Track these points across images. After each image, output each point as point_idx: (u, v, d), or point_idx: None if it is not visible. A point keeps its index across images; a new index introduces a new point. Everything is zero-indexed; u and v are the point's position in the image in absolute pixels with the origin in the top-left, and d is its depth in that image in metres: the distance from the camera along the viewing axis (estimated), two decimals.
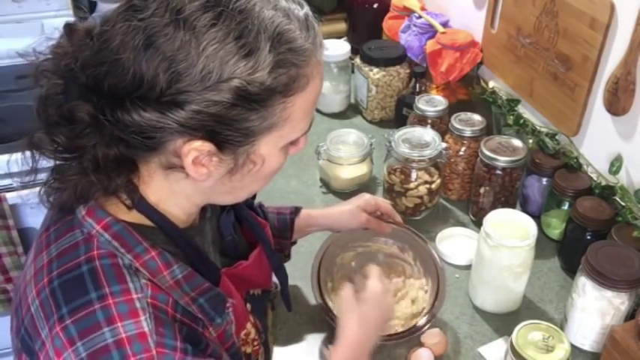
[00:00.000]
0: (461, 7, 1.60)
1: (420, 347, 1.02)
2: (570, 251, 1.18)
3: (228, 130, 0.61)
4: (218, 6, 0.59)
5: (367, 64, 1.62)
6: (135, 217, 0.68)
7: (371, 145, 1.42)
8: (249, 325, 0.82)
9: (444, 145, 1.29)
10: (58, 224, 0.69)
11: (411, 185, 1.30)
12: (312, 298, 1.12)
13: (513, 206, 1.30)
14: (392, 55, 1.61)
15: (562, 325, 1.07)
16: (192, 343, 0.64)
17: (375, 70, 1.61)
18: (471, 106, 1.53)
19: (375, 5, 1.87)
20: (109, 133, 0.61)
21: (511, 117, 1.37)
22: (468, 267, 1.18)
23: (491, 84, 1.51)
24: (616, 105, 1.09)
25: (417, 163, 1.28)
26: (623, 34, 1.05)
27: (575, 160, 1.23)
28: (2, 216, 1.50)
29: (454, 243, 1.28)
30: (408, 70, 1.63)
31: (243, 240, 0.89)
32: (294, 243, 1.13)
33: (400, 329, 1.05)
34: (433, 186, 1.31)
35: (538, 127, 1.32)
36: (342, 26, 2.05)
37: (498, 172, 1.24)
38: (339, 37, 1.78)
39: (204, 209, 0.79)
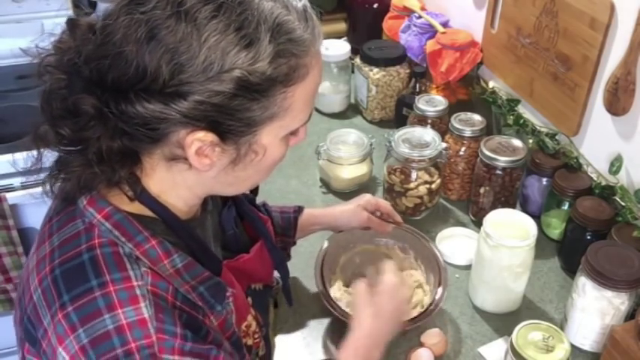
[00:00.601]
0: (461, 7, 1.61)
1: (420, 347, 1.02)
2: (570, 251, 1.18)
3: (231, 120, 0.62)
4: None
5: (367, 64, 1.62)
6: (136, 207, 0.69)
7: (371, 145, 1.42)
8: (249, 317, 0.83)
9: (444, 145, 1.29)
10: (60, 215, 0.70)
11: (411, 185, 1.30)
12: (312, 297, 1.12)
13: (513, 206, 1.30)
14: (392, 55, 1.61)
15: (562, 325, 1.07)
16: (192, 329, 0.65)
17: (375, 70, 1.61)
18: (471, 106, 1.53)
19: (375, 5, 1.87)
20: (113, 125, 0.62)
21: (511, 117, 1.37)
22: (468, 267, 1.18)
23: (491, 84, 1.51)
24: (616, 105, 1.09)
25: (417, 163, 1.28)
26: (623, 34, 1.05)
27: (575, 160, 1.23)
28: (2, 216, 1.50)
29: (454, 243, 1.28)
30: (408, 70, 1.63)
31: (244, 235, 0.90)
32: (294, 243, 1.13)
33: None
34: (433, 186, 1.31)
35: (538, 127, 1.32)
36: (342, 26, 2.05)
37: (498, 172, 1.24)
38: (339, 37, 1.78)
39: (205, 203, 0.80)
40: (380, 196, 1.39)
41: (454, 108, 1.44)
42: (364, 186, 1.44)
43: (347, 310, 1.03)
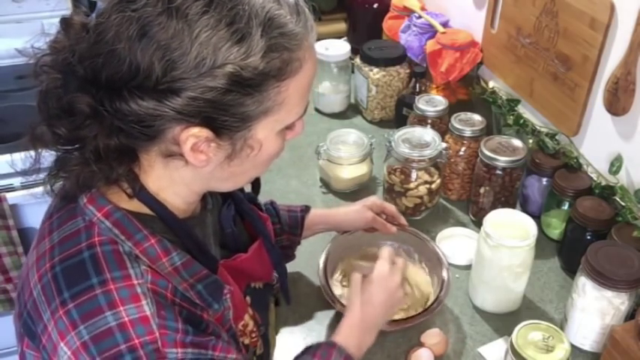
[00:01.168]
0: (461, 7, 1.61)
1: (420, 347, 1.02)
2: (570, 251, 1.18)
3: (225, 115, 0.62)
4: None
5: (367, 64, 1.62)
6: (135, 205, 0.69)
7: (371, 145, 1.42)
8: (247, 317, 0.83)
9: (444, 145, 1.29)
10: (60, 212, 0.70)
11: (411, 185, 1.30)
12: (312, 296, 1.12)
13: (513, 206, 1.30)
14: (392, 55, 1.61)
15: (562, 325, 1.07)
16: (192, 324, 0.66)
17: (375, 70, 1.61)
18: (471, 106, 1.53)
19: (375, 5, 1.87)
20: (108, 123, 0.62)
21: (511, 117, 1.37)
22: (468, 267, 1.18)
23: (491, 84, 1.51)
24: (616, 105, 1.09)
25: (417, 163, 1.28)
26: (623, 34, 1.05)
27: (575, 160, 1.23)
28: (2, 216, 1.50)
29: (454, 243, 1.28)
30: (408, 70, 1.63)
31: (244, 233, 0.90)
32: (299, 243, 1.13)
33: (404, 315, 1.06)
34: (433, 186, 1.31)
35: (538, 127, 1.32)
36: (342, 26, 2.05)
37: (498, 172, 1.24)
38: (339, 37, 1.78)
39: (205, 201, 0.80)
40: (380, 196, 1.39)
41: (454, 108, 1.44)
42: (364, 186, 1.44)
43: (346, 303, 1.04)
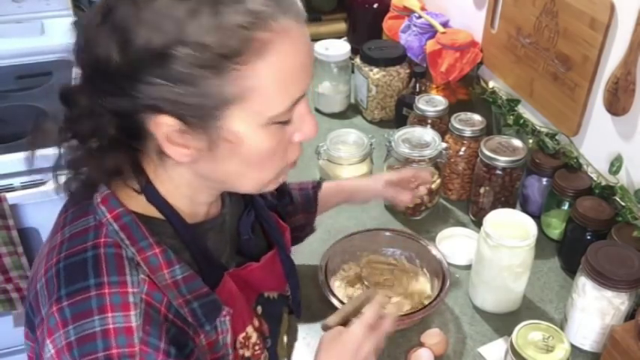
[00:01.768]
0: (461, 7, 1.61)
1: (420, 347, 1.02)
2: (570, 251, 1.18)
3: (184, 102, 0.59)
4: None
5: (367, 64, 1.62)
6: (148, 209, 0.69)
7: (371, 145, 1.41)
8: (250, 329, 0.81)
9: (444, 145, 1.29)
10: (75, 207, 0.70)
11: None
12: (312, 296, 1.12)
13: (513, 206, 1.30)
14: (392, 55, 1.61)
15: (562, 325, 1.07)
16: (178, 345, 0.64)
17: (375, 70, 1.61)
18: (471, 106, 1.53)
19: (375, 5, 1.87)
20: (105, 120, 0.62)
21: (511, 117, 1.37)
22: (468, 267, 1.18)
23: (491, 84, 1.51)
24: (616, 105, 1.09)
25: (417, 163, 1.28)
26: (623, 34, 1.05)
27: (575, 160, 1.23)
28: (2, 216, 1.49)
29: (454, 243, 1.28)
30: (408, 70, 1.63)
31: (262, 241, 0.87)
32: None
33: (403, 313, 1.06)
34: (433, 186, 1.31)
35: (538, 127, 1.32)
36: (342, 26, 2.05)
37: (498, 172, 1.24)
38: (339, 37, 1.78)
39: (223, 205, 0.79)
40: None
41: (454, 108, 1.44)
42: None
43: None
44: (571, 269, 1.17)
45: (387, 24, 1.81)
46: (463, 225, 1.34)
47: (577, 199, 1.15)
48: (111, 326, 0.60)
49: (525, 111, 1.39)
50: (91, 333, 0.60)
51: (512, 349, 0.92)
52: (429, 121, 1.42)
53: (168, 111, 0.60)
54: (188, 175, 0.69)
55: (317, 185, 1.11)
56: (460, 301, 1.15)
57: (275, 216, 0.90)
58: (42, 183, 1.39)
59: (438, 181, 1.32)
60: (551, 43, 1.23)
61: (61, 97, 0.64)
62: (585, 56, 1.14)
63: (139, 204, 0.69)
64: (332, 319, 0.97)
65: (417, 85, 1.56)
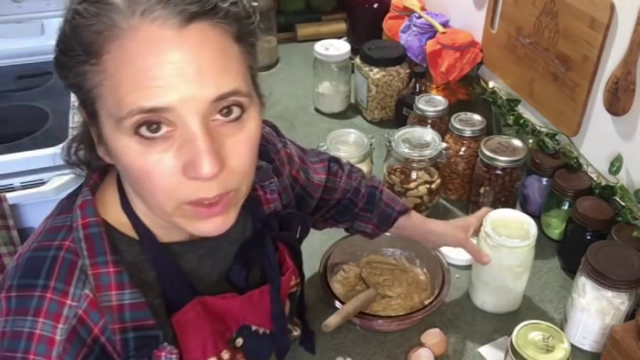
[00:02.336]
0: (461, 7, 1.61)
1: (420, 347, 1.02)
2: (570, 251, 1.18)
3: (72, 83, 0.59)
4: None
5: (367, 64, 1.62)
6: (123, 222, 0.67)
7: (371, 145, 1.41)
8: None
9: (444, 145, 1.29)
10: (70, 198, 0.69)
11: (411, 185, 1.30)
12: (311, 296, 1.12)
13: (513, 206, 1.30)
14: (392, 55, 1.61)
15: (562, 325, 1.07)
16: None
17: (375, 70, 1.61)
18: (471, 106, 1.53)
19: (375, 5, 1.87)
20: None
21: (511, 117, 1.37)
22: (468, 267, 1.18)
23: (491, 84, 1.51)
24: (616, 105, 1.09)
25: (417, 163, 1.28)
26: (623, 34, 1.05)
27: (575, 160, 1.23)
28: (2, 216, 1.49)
29: None
30: (408, 70, 1.63)
31: (258, 273, 0.80)
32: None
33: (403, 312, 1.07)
34: (433, 186, 1.31)
35: (538, 127, 1.32)
36: (342, 26, 2.06)
37: (498, 172, 1.24)
38: (339, 37, 1.78)
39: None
40: None
41: (454, 108, 1.44)
42: None
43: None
44: (571, 269, 1.17)
45: (387, 24, 1.81)
46: None
47: (577, 199, 1.15)
48: (37, 332, 0.60)
49: (525, 111, 1.39)
50: (20, 331, 0.60)
51: (512, 349, 0.92)
52: (429, 121, 1.42)
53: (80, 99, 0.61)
54: (129, 189, 0.66)
55: (404, 211, 1.05)
56: (460, 301, 1.15)
57: (283, 252, 0.82)
58: (42, 183, 1.38)
59: (438, 181, 1.32)
60: (551, 43, 1.23)
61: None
62: (585, 56, 1.14)
63: (118, 215, 0.67)
64: (332, 319, 0.98)
65: (417, 85, 1.56)
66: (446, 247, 1.17)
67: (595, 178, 1.19)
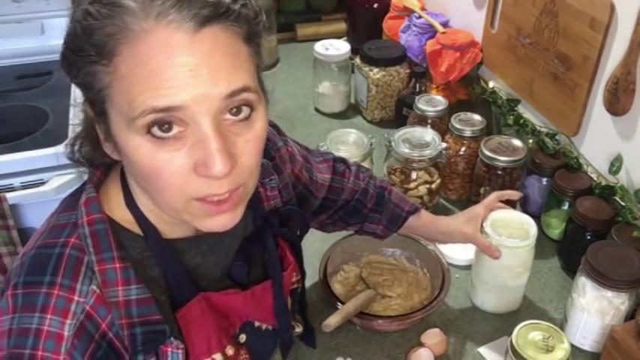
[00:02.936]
0: (461, 7, 1.61)
1: (420, 347, 1.02)
2: (570, 251, 1.18)
3: (81, 84, 0.60)
4: None
5: (367, 64, 1.62)
6: (127, 218, 0.68)
7: (371, 145, 1.41)
8: (218, 356, 0.74)
9: (444, 145, 1.29)
10: (75, 195, 0.69)
11: (411, 185, 1.30)
12: (310, 296, 1.12)
13: (513, 206, 1.30)
14: (392, 55, 1.61)
15: (562, 325, 1.07)
16: None
17: (375, 70, 1.61)
18: (471, 106, 1.53)
19: (375, 5, 1.87)
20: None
21: (511, 117, 1.37)
22: (468, 267, 1.18)
23: (491, 84, 1.51)
24: (616, 105, 1.09)
25: (417, 163, 1.28)
26: (623, 34, 1.05)
27: (575, 160, 1.23)
28: (2, 216, 1.49)
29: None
30: (408, 70, 1.63)
31: (260, 269, 0.81)
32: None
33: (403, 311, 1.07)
34: (433, 186, 1.31)
35: (538, 127, 1.32)
36: (342, 26, 2.06)
37: (498, 172, 1.24)
38: (339, 37, 1.78)
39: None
40: None
41: (454, 108, 1.45)
42: None
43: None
44: (571, 269, 1.17)
45: (387, 24, 1.81)
46: None
47: (577, 199, 1.15)
48: (45, 328, 0.60)
49: (525, 111, 1.39)
50: (27, 328, 0.60)
51: (512, 349, 0.92)
52: (429, 121, 1.42)
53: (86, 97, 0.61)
54: (135, 185, 0.67)
55: (413, 211, 1.04)
56: (460, 301, 1.15)
57: (284, 249, 0.83)
58: (42, 183, 1.38)
59: (438, 181, 1.32)
60: (551, 43, 1.23)
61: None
62: (585, 56, 1.14)
63: (122, 212, 0.68)
64: (332, 319, 0.98)
65: (417, 85, 1.56)
66: (446, 245, 1.17)
67: (595, 178, 1.19)
